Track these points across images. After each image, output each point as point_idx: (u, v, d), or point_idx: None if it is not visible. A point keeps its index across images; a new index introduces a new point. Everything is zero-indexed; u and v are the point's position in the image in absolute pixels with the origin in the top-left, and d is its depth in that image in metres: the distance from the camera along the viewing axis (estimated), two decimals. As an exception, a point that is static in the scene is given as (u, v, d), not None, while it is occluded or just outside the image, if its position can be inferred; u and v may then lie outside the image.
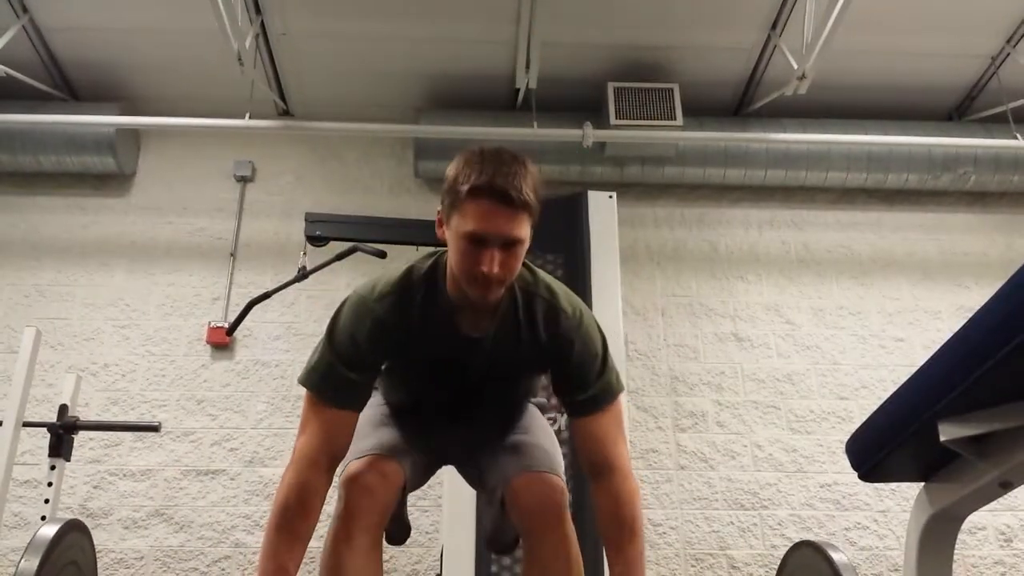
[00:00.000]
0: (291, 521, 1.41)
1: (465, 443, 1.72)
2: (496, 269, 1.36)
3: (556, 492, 1.52)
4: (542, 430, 1.68)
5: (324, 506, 1.47)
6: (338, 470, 1.53)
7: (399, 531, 1.67)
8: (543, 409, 1.80)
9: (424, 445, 1.66)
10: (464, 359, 1.54)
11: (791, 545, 1.65)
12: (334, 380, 1.46)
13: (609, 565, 1.47)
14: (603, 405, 1.52)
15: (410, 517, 1.95)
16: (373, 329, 1.46)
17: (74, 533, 1.59)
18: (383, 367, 1.57)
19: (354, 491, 1.47)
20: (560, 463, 1.62)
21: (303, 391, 1.50)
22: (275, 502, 1.42)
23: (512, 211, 1.35)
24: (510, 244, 1.38)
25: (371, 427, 1.62)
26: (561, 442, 1.76)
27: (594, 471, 1.50)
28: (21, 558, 1.42)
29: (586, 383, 1.51)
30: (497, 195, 1.33)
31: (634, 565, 1.44)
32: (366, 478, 1.47)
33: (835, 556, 1.47)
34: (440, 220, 1.46)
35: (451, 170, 1.41)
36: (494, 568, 3.01)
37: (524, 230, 1.39)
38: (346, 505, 1.46)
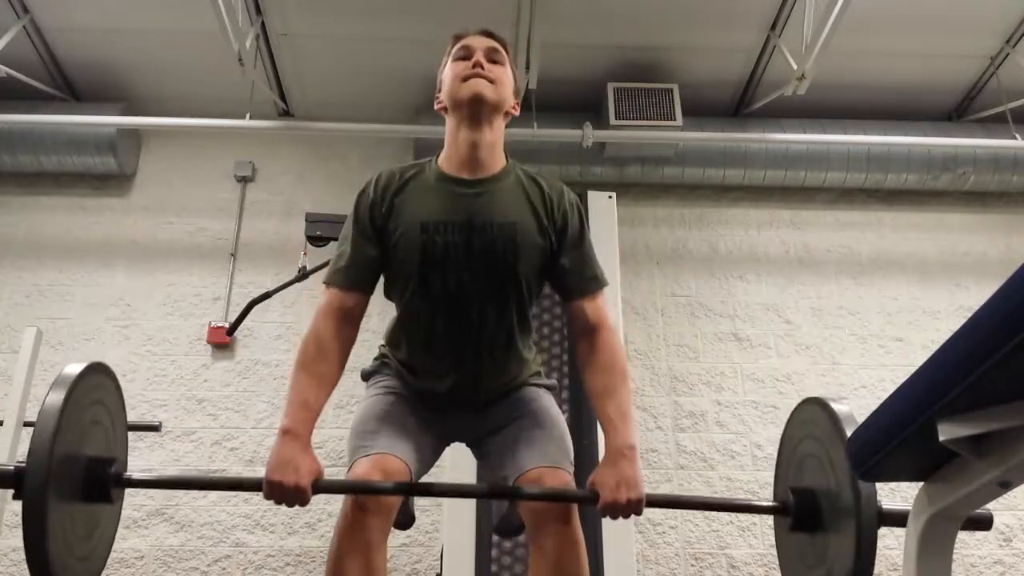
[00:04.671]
0: (310, 364, 1.57)
1: (471, 401, 1.71)
2: (484, 66, 1.63)
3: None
4: (554, 422, 1.68)
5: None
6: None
7: (404, 519, 1.67)
8: (552, 390, 1.81)
9: (431, 420, 1.68)
10: (464, 214, 1.60)
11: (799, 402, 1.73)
12: (340, 263, 1.65)
13: (601, 408, 1.61)
14: (598, 288, 1.70)
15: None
16: (367, 199, 1.65)
17: (99, 375, 1.63)
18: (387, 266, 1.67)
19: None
20: (570, 457, 1.63)
21: None
22: (297, 352, 1.60)
23: (492, 39, 1.71)
24: (494, 59, 1.67)
25: (376, 421, 1.62)
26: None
27: (587, 333, 1.67)
28: (46, 394, 1.43)
29: (586, 262, 1.69)
30: (478, 32, 1.72)
31: (626, 404, 1.61)
32: (372, 477, 1.49)
33: (835, 407, 1.52)
34: (438, 97, 1.72)
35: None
36: (494, 568, 3.01)
37: (504, 55, 1.71)
38: (351, 505, 1.47)
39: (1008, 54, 4.22)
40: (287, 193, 4.53)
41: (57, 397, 1.44)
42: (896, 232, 4.64)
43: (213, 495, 3.88)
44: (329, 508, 3.85)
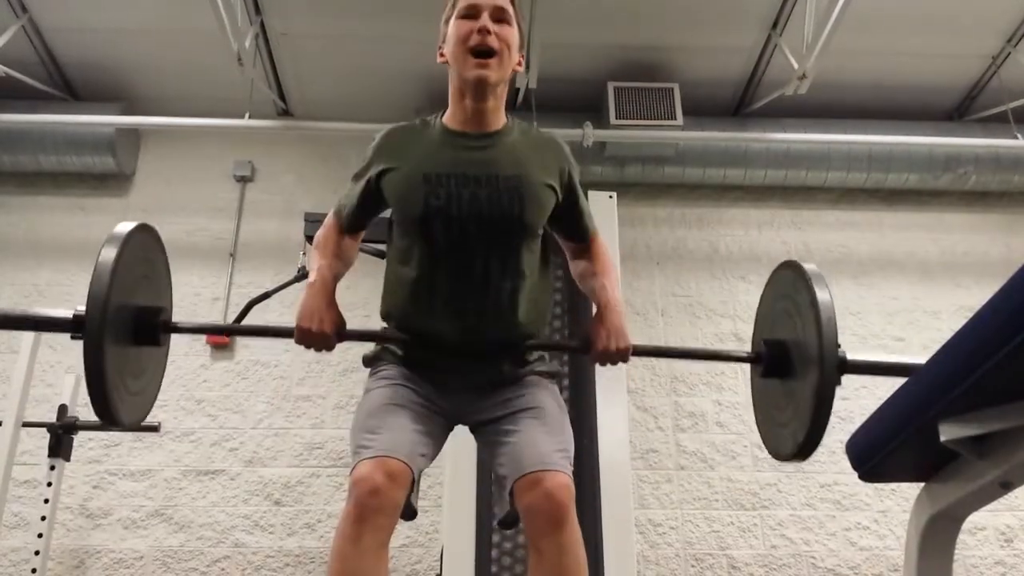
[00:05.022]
0: (325, 245, 1.78)
1: (474, 365, 1.70)
2: (491, 32, 1.64)
3: (564, 491, 1.53)
4: (556, 419, 1.68)
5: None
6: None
7: (407, 512, 1.67)
8: (556, 376, 1.81)
9: (434, 402, 1.68)
10: (469, 167, 1.66)
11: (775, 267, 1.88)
12: (347, 203, 1.79)
13: (591, 281, 1.79)
14: (594, 232, 1.84)
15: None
16: (374, 146, 1.76)
17: (147, 234, 1.83)
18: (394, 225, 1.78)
19: (362, 492, 1.48)
20: (570, 456, 1.62)
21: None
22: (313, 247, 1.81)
23: None
24: (500, 19, 1.67)
25: (378, 418, 1.61)
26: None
27: (582, 250, 1.85)
28: (100, 250, 1.57)
29: (585, 213, 1.81)
30: None
31: (615, 279, 1.79)
32: (374, 479, 1.48)
33: (806, 267, 1.71)
34: (441, 50, 1.75)
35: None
36: (494, 568, 3.01)
37: (510, 12, 1.70)
38: (354, 505, 1.47)
39: (1009, 53, 4.21)
40: (286, 193, 4.52)
41: (111, 252, 1.58)
42: (897, 232, 4.64)
43: (213, 495, 3.88)
44: (329, 509, 3.85)
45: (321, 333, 1.62)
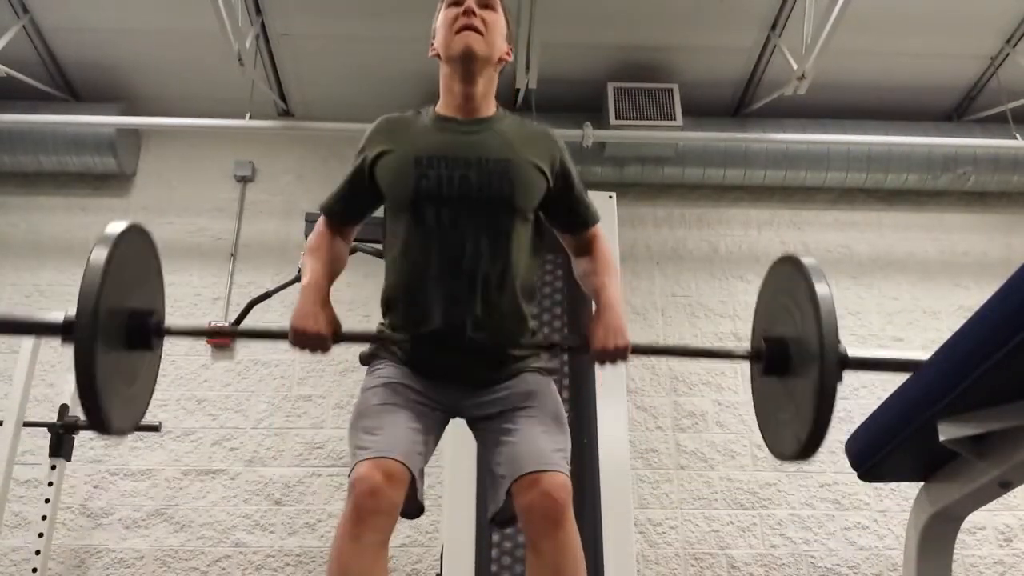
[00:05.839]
0: (317, 249, 1.79)
1: (470, 355, 1.70)
2: (475, 13, 1.69)
3: (562, 490, 1.54)
4: (554, 419, 1.68)
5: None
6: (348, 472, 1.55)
7: (412, 510, 1.67)
8: (554, 374, 1.81)
9: (431, 396, 1.69)
10: (459, 151, 1.69)
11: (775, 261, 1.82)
12: (336, 193, 1.83)
13: (591, 281, 1.80)
14: (594, 221, 1.86)
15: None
16: (367, 135, 1.79)
17: (139, 234, 1.74)
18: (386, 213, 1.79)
19: (361, 492, 1.48)
20: (568, 456, 1.63)
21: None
22: (304, 251, 1.83)
23: None
24: (485, 4, 1.72)
25: (375, 417, 1.61)
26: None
27: (583, 248, 1.86)
28: (91, 251, 1.53)
29: (580, 200, 1.82)
30: None
31: (615, 279, 1.80)
32: (373, 480, 1.49)
33: (805, 261, 1.64)
34: (432, 44, 1.79)
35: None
36: (494, 568, 3.01)
37: (496, 0, 1.75)
38: (353, 506, 1.48)
39: (1008, 54, 4.21)
40: (287, 193, 4.53)
41: (101, 253, 1.54)
42: (896, 232, 4.64)
43: (213, 495, 3.88)
44: (329, 508, 3.85)
45: (316, 334, 1.62)
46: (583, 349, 1.69)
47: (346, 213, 1.83)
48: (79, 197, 4.47)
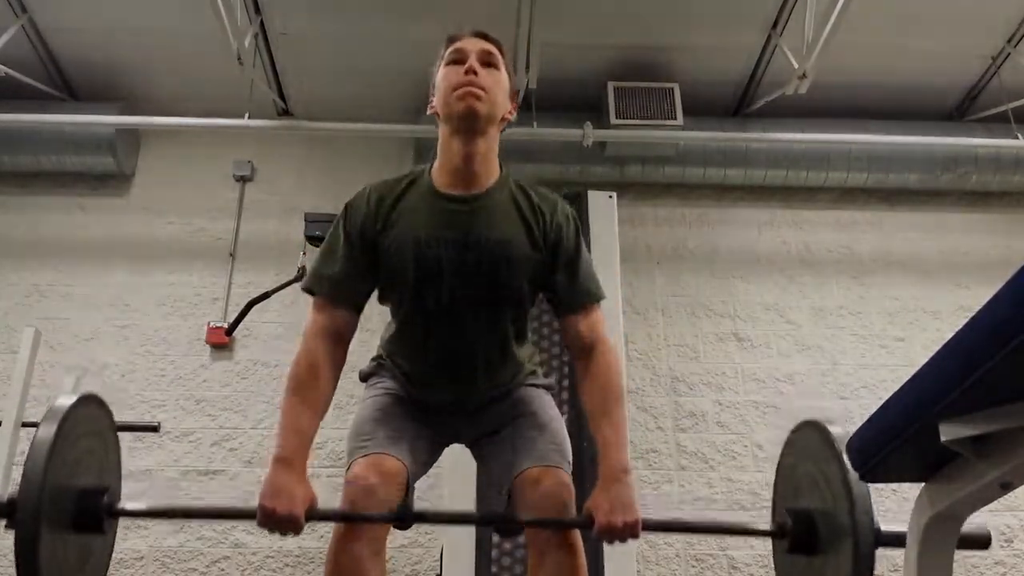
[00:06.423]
0: (302, 389, 1.58)
1: (468, 407, 1.71)
2: (477, 73, 1.57)
3: (564, 489, 1.54)
4: (551, 422, 1.68)
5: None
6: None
7: (403, 518, 1.67)
8: (550, 390, 1.80)
9: (429, 422, 1.69)
10: (457, 230, 1.59)
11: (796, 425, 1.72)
12: (327, 270, 1.63)
13: (596, 429, 1.56)
14: (592, 302, 1.67)
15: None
16: (360, 214, 1.63)
17: (92, 405, 1.63)
18: (381, 278, 1.65)
19: (356, 491, 1.48)
20: (568, 457, 1.63)
21: None
22: (288, 375, 1.60)
23: (487, 41, 1.65)
24: (488, 63, 1.62)
25: (374, 423, 1.62)
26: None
27: (584, 351, 1.64)
28: (38, 427, 1.45)
29: (579, 276, 1.65)
30: (472, 34, 1.66)
31: (621, 425, 1.57)
32: (368, 479, 1.49)
33: (832, 429, 1.52)
34: (431, 100, 1.67)
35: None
36: (494, 569, 3.00)
37: (499, 58, 1.64)
38: (350, 506, 1.47)
39: (1009, 54, 4.21)
40: (286, 193, 4.52)
41: (49, 429, 1.45)
42: (897, 232, 4.64)
43: (213, 495, 3.87)
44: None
45: (288, 515, 1.41)
46: (587, 525, 1.48)
47: (357, 293, 1.65)
48: (78, 197, 4.46)
